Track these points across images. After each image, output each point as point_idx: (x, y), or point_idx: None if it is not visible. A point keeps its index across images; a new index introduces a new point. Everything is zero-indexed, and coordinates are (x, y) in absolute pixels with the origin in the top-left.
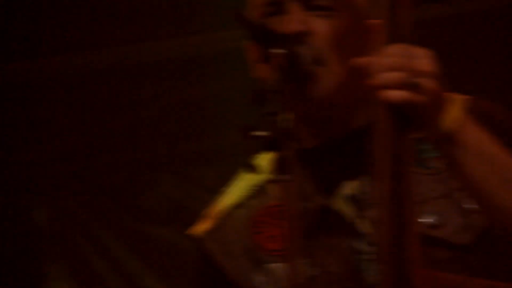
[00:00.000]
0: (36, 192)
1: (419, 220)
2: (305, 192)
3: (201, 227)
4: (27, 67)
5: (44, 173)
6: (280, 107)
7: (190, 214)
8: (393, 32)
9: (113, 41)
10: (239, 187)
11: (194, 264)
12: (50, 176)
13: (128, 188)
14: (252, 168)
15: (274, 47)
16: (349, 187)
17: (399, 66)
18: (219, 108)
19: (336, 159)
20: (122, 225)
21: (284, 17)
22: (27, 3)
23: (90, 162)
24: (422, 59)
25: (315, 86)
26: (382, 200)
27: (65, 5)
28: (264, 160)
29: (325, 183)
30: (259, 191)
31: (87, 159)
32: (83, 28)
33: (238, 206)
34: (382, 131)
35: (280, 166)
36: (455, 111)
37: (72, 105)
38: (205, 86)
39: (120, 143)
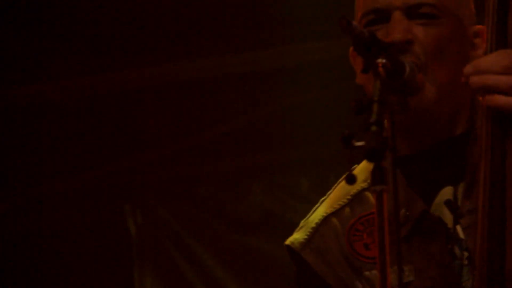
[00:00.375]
0: (129, 200)
1: None
2: (404, 198)
3: (297, 238)
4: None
5: (137, 182)
6: (381, 117)
7: (282, 223)
8: (500, 37)
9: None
10: (335, 196)
11: (293, 275)
12: (142, 185)
13: (220, 198)
14: (351, 178)
15: (377, 56)
16: (448, 194)
17: (504, 71)
18: (314, 117)
19: (435, 165)
20: (213, 234)
21: (387, 25)
22: (34, 28)
23: (182, 172)
24: None
25: (418, 97)
26: (481, 207)
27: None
28: (360, 169)
29: (425, 190)
30: (354, 200)
31: (179, 169)
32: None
33: (334, 215)
34: (484, 137)
35: (378, 176)
36: None
37: (164, 116)
38: (299, 96)
39: (211, 154)
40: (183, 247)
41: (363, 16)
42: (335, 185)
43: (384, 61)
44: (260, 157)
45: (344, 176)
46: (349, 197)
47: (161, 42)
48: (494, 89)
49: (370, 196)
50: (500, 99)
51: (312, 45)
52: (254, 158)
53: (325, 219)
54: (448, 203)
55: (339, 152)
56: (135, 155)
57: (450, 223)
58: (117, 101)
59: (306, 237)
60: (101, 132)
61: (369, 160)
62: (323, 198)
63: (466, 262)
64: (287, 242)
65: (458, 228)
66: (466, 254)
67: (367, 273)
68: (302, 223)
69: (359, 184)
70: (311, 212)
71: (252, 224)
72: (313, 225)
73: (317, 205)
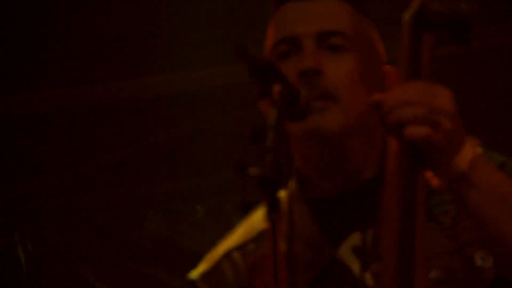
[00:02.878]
0: (19, 228)
1: (427, 275)
2: (312, 242)
3: (199, 270)
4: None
5: (28, 210)
6: (276, 145)
7: (177, 251)
8: (412, 70)
9: (107, 77)
10: (242, 231)
11: None
12: (33, 212)
13: (114, 225)
14: (246, 207)
15: (273, 83)
16: (358, 239)
17: (419, 102)
18: (211, 144)
19: (346, 210)
20: (107, 262)
21: (300, 53)
22: (28, 37)
23: (75, 199)
24: (442, 98)
25: (321, 115)
26: (389, 253)
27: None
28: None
29: (334, 234)
30: (260, 237)
31: (72, 195)
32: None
33: (237, 249)
34: (395, 172)
35: (271, 205)
36: (469, 151)
37: (58, 142)
38: (196, 122)
39: (106, 181)
40: (75, 276)
41: (275, 45)
42: (243, 220)
43: (280, 88)
44: (155, 184)
45: (251, 212)
46: (254, 234)
47: (57, 67)
48: (400, 121)
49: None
50: (411, 130)
51: (209, 71)
52: (149, 185)
53: (228, 254)
54: (356, 249)
55: (235, 180)
56: (26, 182)
57: (358, 270)
58: (8, 126)
59: (206, 269)
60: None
61: (263, 188)
62: (228, 233)
63: None
64: (190, 273)
65: (367, 275)
66: None
67: None
68: (206, 256)
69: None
70: (216, 247)
71: (147, 252)
72: (216, 258)
73: (221, 240)
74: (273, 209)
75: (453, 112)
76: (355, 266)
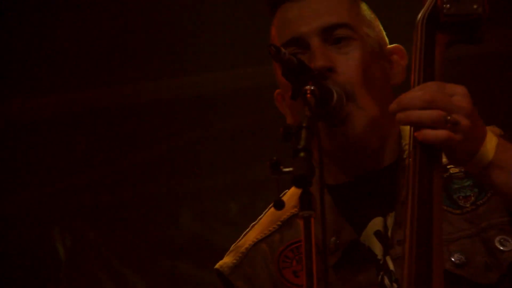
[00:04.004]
0: (58, 223)
1: (447, 259)
2: (335, 227)
3: (227, 262)
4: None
5: (66, 206)
6: (308, 144)
7: (211, 248)
8: (426, 69)
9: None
10: (265, 222)
11: None
12: (72, 208)
13: (149, 222)
14: (279, 204)
15: (306, 83)
16: (378, 224)
17: (435, 102)
18: (243, 143)
19: (366, 195)
20: (142, 258)
21: (309, 53)
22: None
23: (111, 196)
24: (457, 95)
25: (347, 126)
26: (408, 238)
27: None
28: (290, 195)
29: (355, 219)
30: (284, 226)
31: (108, 193)
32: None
33: (264, 241)
34: (412, 169)
35: (305, 202)
36: (492, 140)
37: (94, 140)
38: (228, 121)
39: (140, 178)
40: (112, 271)
41: (283, 47)
42: (266, 210)
43: (312, 87)
44: (188, 182)
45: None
46: (279, 223)
47: (88, 68)
48: (418, 124)
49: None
50: (426, 133)
51: (239, 72)
52: (182, 183)
53: (255, 245)
54: (377, 233)
55: (268, 177)
56: (64, 179)
57: (380, 254)
58: (47, 126)
59: (235, 261)
60: (30, 156)
61: (297, 186)
62: (253, 223)
63: None
64: (217, 265)
65: (388, 259)
66: (395, 285)
67: None
68: (232, 247)
69: (289, 210)
70: (242, 236)
71: (181, 249)
72: (242, 250)
73: (247, 230)
74: (307, 205)
75: (470, 108)
76: (377, 250)
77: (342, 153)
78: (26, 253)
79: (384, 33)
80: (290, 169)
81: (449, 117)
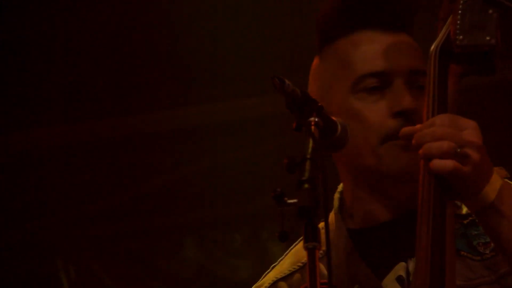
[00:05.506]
0: (62, 255)
1: None
2: (356, 273)
3: None
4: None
5: (70, 237)
6: (313, 175)
7: (215, 279)
8: (439, 101)
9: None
10: (286, 263)
11: None
12: (75, 239)
13: (152, 253)
14: (283, 236)
15: (310, 115)
16: (402, 269)
17: (448, 135)
18: (247, 173)
19: (390, 240)
20: None
21: (389, 91)
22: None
23: (114, 227)
24: (469, 130)
25: (412, 161)
26: (422, 283)
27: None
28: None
29: (377, 264)
30: (306, 267)
31: (111, 224)
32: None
33: (283, 279)
34: (425, 202)
35: (310, 234)
36: (497, 181)
37: (97, 172)
38: (232, 151)
39: (144, 209)
40: None
41: (361, 78)
42: (287, 251)
43: (316, 119)
44: (193, 212)
45: (296, 242)
46: (300, 264)
47: (94, 99)
48: (428, 156)
49: (322, 266)
50: (435, 163)
51: (243, 102)
52: (187, 213)
53: (274, 283)
54: (399, 279)
55: (272, 208)
56: (67, 210)
57: None
58: (49, 157)
59: None
60: (33, 187)
61: (301, 217)
62: (273, 264)
63: None
64: None
65: None
66: None
67: None
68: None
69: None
70: (262, 277)
71: (185, 280)
72: None
73: (267, 271)
74: (311, 237)
75: (480, 144)
76: None
77: (400, 179)
78: (30, 284)
79: None
80: (295, 200)
81: (459, 150)
